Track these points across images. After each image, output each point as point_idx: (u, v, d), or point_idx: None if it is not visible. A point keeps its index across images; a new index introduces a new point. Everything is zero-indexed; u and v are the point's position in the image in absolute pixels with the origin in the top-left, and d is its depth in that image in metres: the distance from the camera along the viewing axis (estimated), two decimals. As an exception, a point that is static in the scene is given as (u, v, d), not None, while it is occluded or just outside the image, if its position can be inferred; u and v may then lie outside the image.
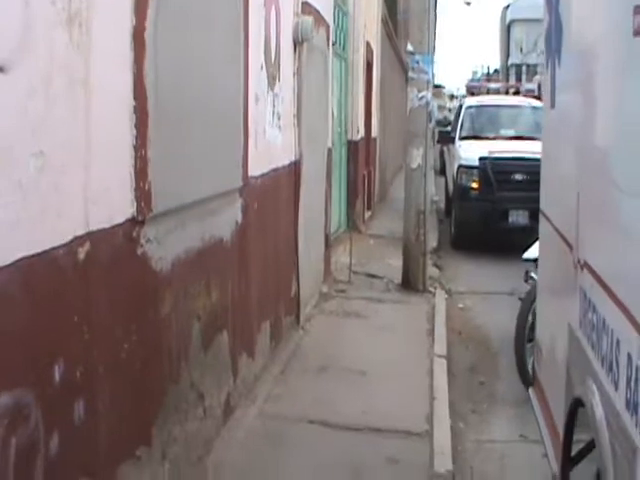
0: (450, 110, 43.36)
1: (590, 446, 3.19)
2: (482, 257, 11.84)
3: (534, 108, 14.96)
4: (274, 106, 6.06)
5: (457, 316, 8.73)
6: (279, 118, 6.25)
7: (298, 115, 6.99)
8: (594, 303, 2.91)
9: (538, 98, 18.73)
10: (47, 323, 2.66)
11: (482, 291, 9.84)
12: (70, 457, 2.82)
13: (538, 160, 12.75)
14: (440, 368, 6.55)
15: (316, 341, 7.14)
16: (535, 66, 61.58)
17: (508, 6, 78.68)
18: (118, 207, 3.20)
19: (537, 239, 6.84)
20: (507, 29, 79.07)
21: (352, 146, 12.72)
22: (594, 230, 3.09)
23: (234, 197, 4.99)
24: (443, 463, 4.71)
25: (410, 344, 7.27)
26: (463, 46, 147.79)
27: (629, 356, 2.35)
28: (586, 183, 3.23)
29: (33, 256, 2.52)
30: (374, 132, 15.99)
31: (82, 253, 2.86)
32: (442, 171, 18.61)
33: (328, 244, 9.26)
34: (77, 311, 2.86)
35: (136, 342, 3.39)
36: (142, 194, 3.38)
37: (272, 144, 6.04)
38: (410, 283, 9.52)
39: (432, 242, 11.62)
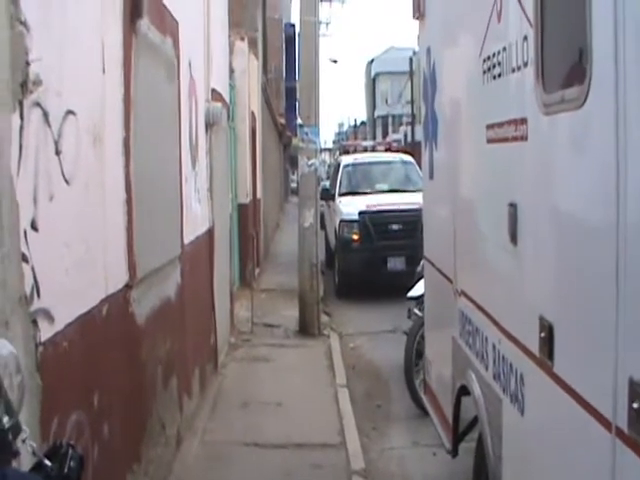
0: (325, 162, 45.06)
1: (471, 425, 4.47)
2: (364, 301, 13.14)
3: (404, 162, 16.49)
4: (195, 183, 7.21)
5: (349, 354, 9.99)
6: (199, 193, 7.41)
7: (211, 188, 8.16)
8: (469, 317, 4.21)
9: (406, 152, 20.11)
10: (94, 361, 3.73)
11: (368, 331, 11.14)
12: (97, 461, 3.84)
13: (411, 211, 13.96)
14: (343, 395, 7.81)
15: (234, 383, 8.27)
16: (400, 116, 63.59)
17: (372, 60, 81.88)
18: (119, 277, 4.28)
19: (417, 281, 8.19)
20: (372, 82, 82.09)
21: (242, 209, 13.92)
22: (466, 269, 4.41)
23: (176, 263, 6.10)
24: (357, 464, 5.94)
25: (315, 378, 8.50)
26: (330, 101, 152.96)
27: (493, 345, 3.63)
28: (459, 236, 4.55)
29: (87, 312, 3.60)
30: (259, 193, 17.23)
31: (104, 310, 3.94)
32: (321, 226, 19.83)
33: (232, 299, 10.40)
34: (102, 350, 3.93)
35: (130, 379, 4.47)
36: (131, 265, 4.48)
37: (195, 215, 7.18)
38: (306, 329, 10.77)
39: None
